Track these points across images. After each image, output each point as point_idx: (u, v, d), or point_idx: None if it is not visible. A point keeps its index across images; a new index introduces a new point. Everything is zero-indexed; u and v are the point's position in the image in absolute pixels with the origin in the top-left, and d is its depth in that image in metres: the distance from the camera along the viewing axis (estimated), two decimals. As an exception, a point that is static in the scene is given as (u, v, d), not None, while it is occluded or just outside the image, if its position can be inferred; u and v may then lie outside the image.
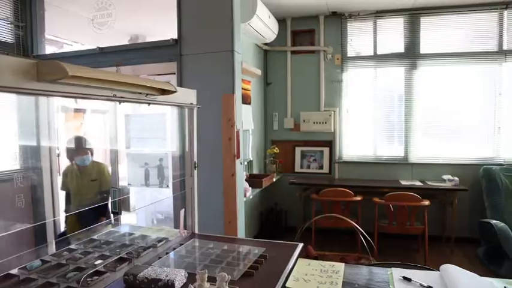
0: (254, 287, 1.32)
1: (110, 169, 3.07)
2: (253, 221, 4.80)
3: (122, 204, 3.33)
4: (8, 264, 1.60)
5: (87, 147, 2.98)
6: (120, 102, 1.41)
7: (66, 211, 2.98)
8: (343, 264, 1.59)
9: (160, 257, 1.60)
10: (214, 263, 1.52)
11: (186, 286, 1.29)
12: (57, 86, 1.10)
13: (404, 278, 1.44)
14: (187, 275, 1.35)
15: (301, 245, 1.76)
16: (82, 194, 2.99)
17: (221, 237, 1.93)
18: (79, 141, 2.95)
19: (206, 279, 1.27)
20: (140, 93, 1.48)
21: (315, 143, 5.15)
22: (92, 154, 2.98)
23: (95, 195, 2.91)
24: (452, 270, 1.46)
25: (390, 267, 1.58)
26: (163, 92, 1.57)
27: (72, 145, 2.93)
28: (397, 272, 1.50)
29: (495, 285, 1.39)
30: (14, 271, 1.41)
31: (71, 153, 2.91)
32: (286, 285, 1.37)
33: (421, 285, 1.38)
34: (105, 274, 1.39)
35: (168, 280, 1.28)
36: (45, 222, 3.26)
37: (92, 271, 1.39)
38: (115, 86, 1.32)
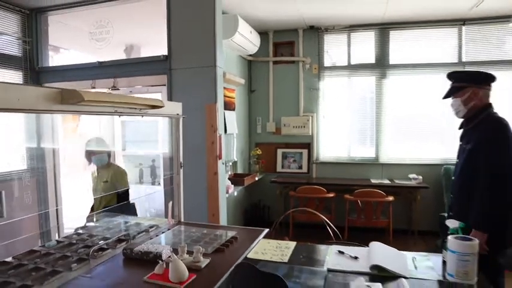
0: (223, 257, 1.74)
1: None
2: (239, 216, 5.21)
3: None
4: (29, 243, 2.00)
5: (104, 149, 3.34)
6: (120, 115, 1.83)
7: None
8: (296, 243, 2.01)
9: (151, 238, 2.01)
10: (194, 242, 1.93)
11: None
12: (76, 107, 1.51)
13: (339, 251, 1.87)
14: (172, 249, 1.75)
15: (266, 230, 2.18)
16: (97, 193, 3.34)
17: (202, 224, 2.34)
18: (97, 143, 3.33)
19: (186, 251, 1.68)
20: (135, 108, 1.90)
21: (295, 145, 5.54)
22: (108, 157, 3.36)
23: (107, 196, 3.26)
24: (376, 245, 1.90)
25: (332, 245, 2.00)
26: (154, 107, 1.99)
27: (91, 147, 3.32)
28: (335, 248, 1.93)
29: (406, 257, 1.81)
30: (36, 248, 1.80)
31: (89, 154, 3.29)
32: (247, 256, 1.79)
33: (350, 256, 1.81)
34: (108, 250, 1.79)
35: (157, 252, 1.68)
36: (49, 218, 3.68)
37: (97, 247, 1.79)
38: (117, 105, 1.73)
